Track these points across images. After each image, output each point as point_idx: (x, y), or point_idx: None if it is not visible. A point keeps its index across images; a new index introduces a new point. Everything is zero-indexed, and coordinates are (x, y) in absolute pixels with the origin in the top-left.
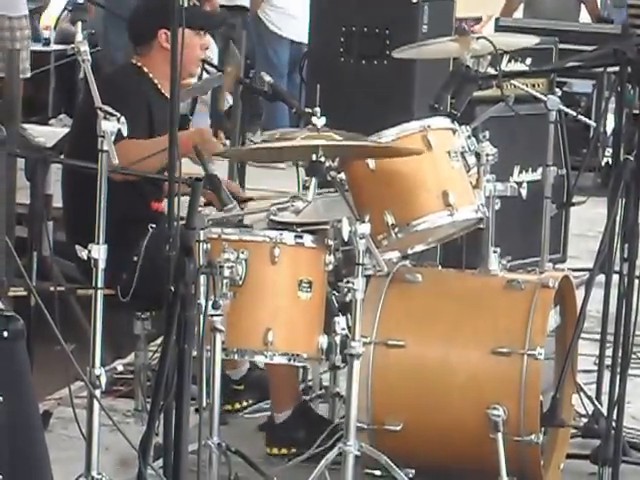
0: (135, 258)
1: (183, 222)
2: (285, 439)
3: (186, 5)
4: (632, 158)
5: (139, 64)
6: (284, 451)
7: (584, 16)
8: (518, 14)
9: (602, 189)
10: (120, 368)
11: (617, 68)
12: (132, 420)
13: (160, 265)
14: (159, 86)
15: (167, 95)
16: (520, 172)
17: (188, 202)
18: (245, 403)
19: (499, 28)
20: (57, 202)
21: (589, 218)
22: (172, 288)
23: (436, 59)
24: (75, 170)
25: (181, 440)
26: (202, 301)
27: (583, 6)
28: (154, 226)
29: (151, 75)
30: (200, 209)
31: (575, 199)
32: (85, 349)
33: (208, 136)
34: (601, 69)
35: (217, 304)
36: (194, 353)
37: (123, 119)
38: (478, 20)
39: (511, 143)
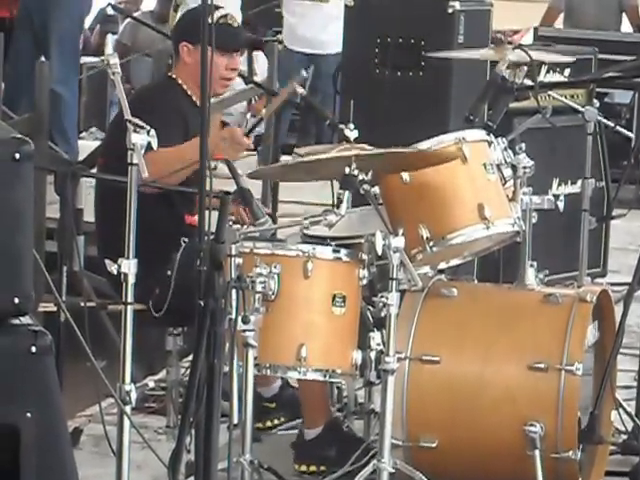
0: (169, 272)
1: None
2: (315, 456)
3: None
4: None
5: (174, 76)
6: (313, 468)
7: (626, 26)
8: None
9: None
10: (152, 384)
11: None
12: (164, 437)
13: (192, 280)
14: (193, 98)
15: (197, 102)
16: (559, 185)
17: (217, 216)
18: (277, 421)
19: (539, 38)
20: (88, 216)
21: (630, 231)
22: (202, 302)
23: (472, 70)
24: (107, 184)
25: (211, 457)
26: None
27: (625, 15)
28: (187, 240)
29: (185, 87)
30: (231, 224)
31: (615, 212)
32: (116, 365)
33: (238, 135)
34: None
35: (247, 318)
36: (225, 369)
37: (153, 132)
38: (517, 31)
39: (549, 155)
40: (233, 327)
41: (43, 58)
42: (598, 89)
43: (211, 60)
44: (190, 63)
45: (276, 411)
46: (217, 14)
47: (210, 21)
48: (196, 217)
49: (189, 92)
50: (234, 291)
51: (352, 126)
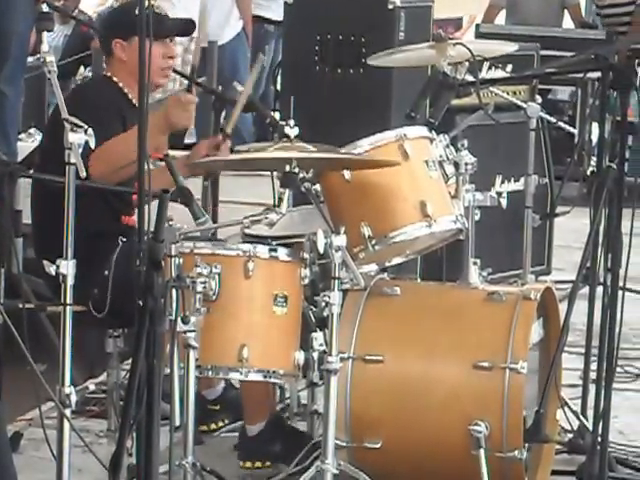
0: (106, 273)
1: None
2: (260, 452)
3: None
4: (614, 166)
5: (109, 74)
6: (258, 464)
7: (567, 22)
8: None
9: (587, 199)
10: (92, 387)
11: (598, 74)
12: (105, 440)
13: (130, 280)
14: (129, 96)
15: (134, 102)
16: (502, 182)
17: (156, 215)
18: (221, 423)
19: (479, 35)
20: (27, 218)
21: (575, 229)
22: (141, 303)
23: (414, 66)
24: (44, 184)
25: (151, 460)
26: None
27: (567, 12)
28: (124, 240)
29: (121, 85)
30: (172, 222)
31: (559, 209)
32: (57, 368)
33: (182, 97)
34: (581, 75)
35: (187, 319)
36: (167, 370)
37: (91, 131)
38: (458, 27)
39: (492, 152)
40: (173, 328)
41: None
42: (541, 86)
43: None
44: (126, 59)
45: (220, 413)
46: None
47: (142, 12)
48: (133, 217)
49: (125, 90)
50: (174, 291)
51: (292, 123)
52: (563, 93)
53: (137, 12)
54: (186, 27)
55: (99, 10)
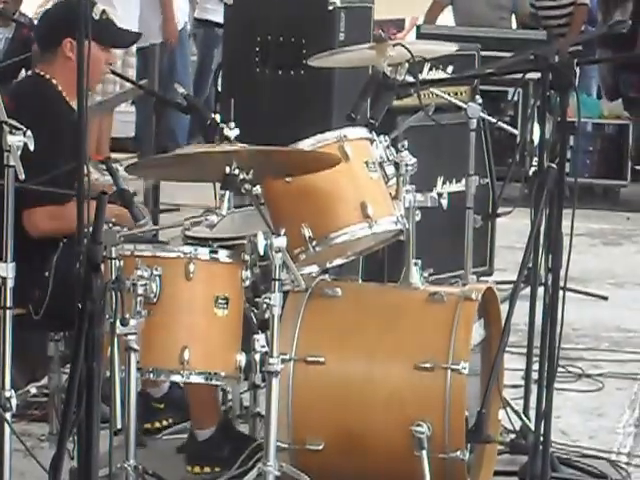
0: (47, 274)
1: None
2: (209, 457)
3: (97, 18)
4: (555, 166)
5: (42, 73)
6: (207, 469)
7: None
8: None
9: (529, 199)
10: (34, 391)
11: (538, 74)
12: (47, 444)
13: (71, 282)
14: (64, 95)
15: (73, 105)
16: (444, 183)
17: (94, 216)
18: (165, 422)
19: (420, 35)
20: None
21: (517, 229)
22: (79, 305)
23: (355, 68)
24: None
25: (91, 463)
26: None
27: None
28: (65, 241)
29: (56, 84)
30: (111, 225)
31: (501, 210)
32: None
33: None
34: (520, 76)
35: (125, 321)
36: (107, 373)
37: (29, 133)
38: (401, 28)
39: (434, 153)
40: (112, 330)
41: None
42: (484, 87)
43: (88, 54)
44: (74, 59)
45: (165, 412)
46: (98, 10)
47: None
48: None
49: (59, 88)
50: (113, 293)
51: (233, 125)
52: (507, 94)
53: (93, 15)
54: (132, 39)
55: (40, 11)
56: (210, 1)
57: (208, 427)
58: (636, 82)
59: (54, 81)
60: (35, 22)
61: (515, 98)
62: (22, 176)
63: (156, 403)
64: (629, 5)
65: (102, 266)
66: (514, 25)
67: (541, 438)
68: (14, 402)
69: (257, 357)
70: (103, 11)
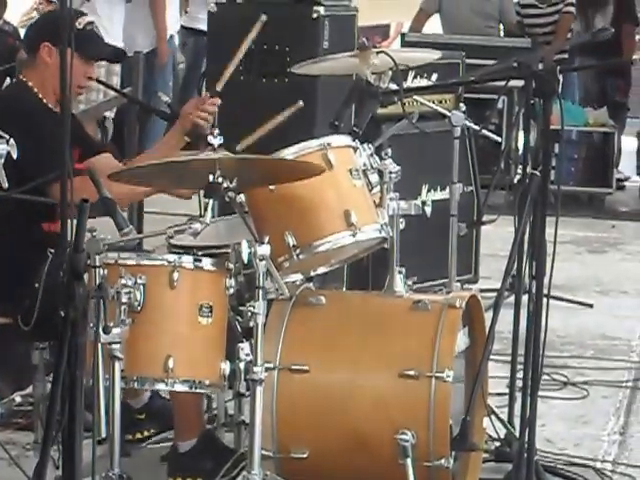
0: (37, 285)
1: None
2: (191, 469)
3: (80, 27)
4: (538, 173)
5: (24, 79)
6: None
7: None
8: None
9: (514, 207)
10: (19, 400)
11: (522, 82)
12: (32, 453)
13: (57, 292)
14: (44, 101)
15: (54, 109)
16: (428, 191)
17: (76, 224)
18: (147, 433)
19: (405, 43)
20: None
21: (501, 237)
22: (62, 313)
23: (339, 76)
24: None
25: (74, 472)
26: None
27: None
28: (53, 251)
29: (36, 90)
30: (95, 233)
31: (486, 218)
32: None
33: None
34: (503, 84)
35: (108, 329)
36: (91, 381)
37: (12, 141)
38: (386, 35)
39: (418, 161)
40: (95, 338)
41: None
42: (469, 95)
43: (71, 63)
44: (50, 63)
45: (146, 422)
46: (83, 20)
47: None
48: (57, 224)
49: (40, 95)
50: (96, 301)
51: (217, 132)
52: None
53: (77, 25)
54: (116, 55)
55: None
56: (202, 11)
57: (190, 438)
58: (622, 86)
59: (31, 84)
60: (20, 31)
61: (500, 106)
62: (5, 185)
63: (137, 414)
64: (609, 9)
65: (86, 274)
66: (502, 34)
67: (526, 446)
68: (0, 411)
69: (241, 365)
70: (88, 22)
